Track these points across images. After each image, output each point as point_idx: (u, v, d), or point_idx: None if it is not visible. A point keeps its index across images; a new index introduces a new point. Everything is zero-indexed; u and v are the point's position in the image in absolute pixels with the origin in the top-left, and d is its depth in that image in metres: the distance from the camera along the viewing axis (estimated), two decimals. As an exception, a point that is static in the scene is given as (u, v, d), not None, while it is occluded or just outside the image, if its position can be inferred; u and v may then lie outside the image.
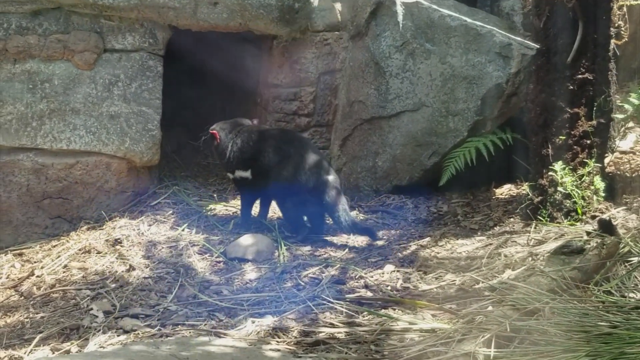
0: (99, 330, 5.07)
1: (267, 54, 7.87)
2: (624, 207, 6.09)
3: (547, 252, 5.30)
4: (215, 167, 8.03)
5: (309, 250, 6.29)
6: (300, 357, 4.33)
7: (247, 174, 6.72)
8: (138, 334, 4.96)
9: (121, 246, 6.49)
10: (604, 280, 4.65)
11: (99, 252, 6.42)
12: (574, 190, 5.99)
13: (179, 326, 5.03)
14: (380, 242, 6.38)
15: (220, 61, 7.85)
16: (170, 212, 7.15)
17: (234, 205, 7.26)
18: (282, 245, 6.30)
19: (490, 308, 4.46)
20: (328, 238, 6.54)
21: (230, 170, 6.84)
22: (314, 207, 6.55)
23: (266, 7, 7.26)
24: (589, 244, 4.90)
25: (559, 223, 5.96)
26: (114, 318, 5.25)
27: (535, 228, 5.95)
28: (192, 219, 6.98)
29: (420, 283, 5.51)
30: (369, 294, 5.37)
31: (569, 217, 6.00)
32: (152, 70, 7.32)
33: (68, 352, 4.83)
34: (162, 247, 6.41)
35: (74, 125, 7.16)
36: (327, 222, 6.78)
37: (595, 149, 6.12)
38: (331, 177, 6.55)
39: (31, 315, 5.51)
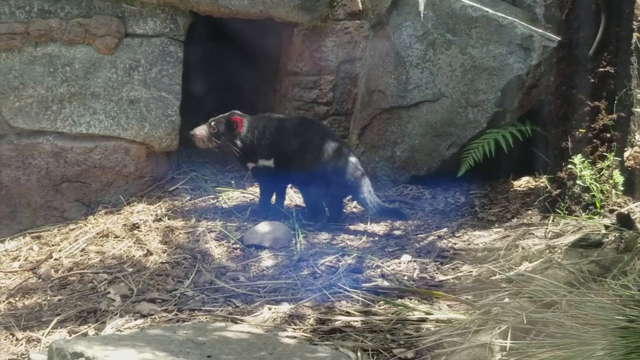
0: (116, 314, 5.09)
1: (287, 42, 7.87)
2: (643, 202, 6.08)
3: (565, 245, 5.30)
4: (229, 161, 7.97)
5: (326, 239, 6.30)
6: (316, 344, 4.33)
7: (269, 162, 6.69)
8: (155, 318, 4.99)
9: (139, 231, 6.52)
10: (622, 274, 4.64)
11: (116, 237, 6.45)
12: (592, 183, 5.97)
13: (196, 311, 5.05)
14: (397, 232, 6.39)
15: (240, 48, 7.86)
16: (188, 197, 7.17)
17: (252, 192, 7.27)
18: (299, 233, 6.31)
19: (506, 300, 4.45)
20: (345, 227, 6.55)
21: (253, 160, 6.78)
22: (338, 190, 6.55)
23: (288, -5, 7.29)
24: (607, 237, 4.90)
25: (577, 216, 5.95)
26: (131, 302, 5.27)
27: (553, 221, 5.94)
28: (210, 205, 7.00)
29: (436, 273, 5.51)
30: (386, 283, 5.37)
31: (587, 211, 5.99)
32: (172, 55, 7.34)
33: (85, 334, 4.85)
34: (180, 233, 6.43)
35: (94, 110, 7.19)
36: (344, 210, 6.81)
37: (615, 143, 6.11)
38: (354, 159, 6.56)
39: (49, 298, 5.54)
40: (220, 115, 6.81)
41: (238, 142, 6.74)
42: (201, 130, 6.76)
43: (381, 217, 6.57)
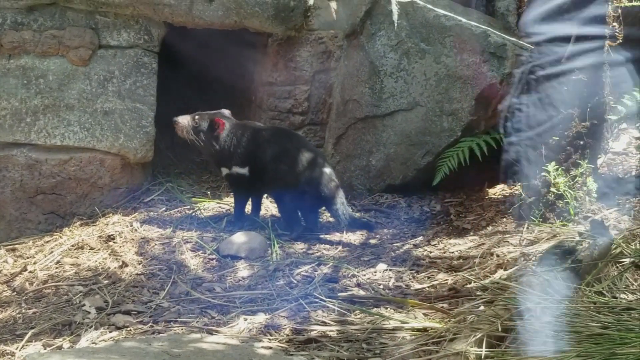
0: (91, 326, 5.06)
1: (262, 52, 7.88)
2: (616, 208, 6.11)
3: (539, 252, 5.32)
4: (208, 163, 7.98)
5: (302, 248, 6.30)
6: (291, 355, 4.34)
7: (244, 170, 6.68)
8: (130, 330, 4.97)
9: (114, 242, 6.49)
10: (596, 281, 4.67)
11: (92, 248, 6.42)
12: (566, 191, 6.00)
13: (171, 323, 5.03)
14: (373, 241, 6.40)
15: (215, 59, 7.85)
16: (164, 208, 7.15)
17: (227, 202, 7.26)
18: (275, 243, 6.31)
19: (482, 308, 4.48)
20: (321, 236, 6.55)
21: (227, 166, 6.77)
22: (312, 201, 6.55)
23: (262, 5, 7.28)
24: (581, 244, 4.91)
25: (552, 223, 5.97)
26: (106, 314, 5.24)
27: (527, 228, 5.96)
28: (186, 216, 6.98)
29: (412, 282, 5.52)
30: (361, 292, 5.38)
31: (562, 218, 6.02)
32: (146, 67, 7.33)
33: (60, 348, 4.82)
34: (155, 244, 6.41)
35: (68, 121, 7.16)
36: (320, 220, 6.81)
37: (588, 150, 6.14)
38: (328, 170, 6.57)
39: (23, 311, 5.51)
40: (207, 112, 6.80)
41: (215, 144, 6.72)
42: (184, 120, 6.73)
43: (352, 229, 6.58)
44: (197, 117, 6.74)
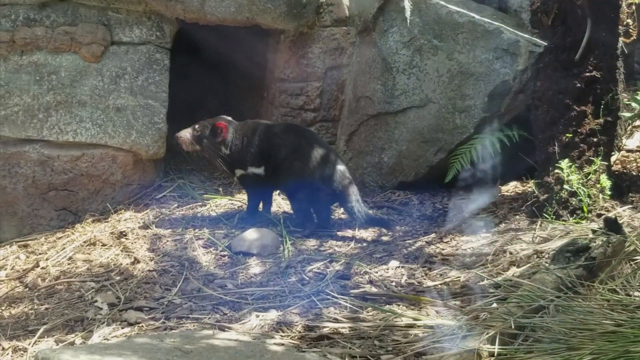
0: (103, 322, 5.06)
1: (274, 49, 7.86)
2: (630, 206, 6.08)
3: (553, 249, 5.29)
4: (215, 168, 7.92)
5: (314, 245, 6.29)
6: (304, 351, 4.32)
7: (260, 170, 6.67)
8: (142, 326, 4.96)
9: (126, 239, 6.49)
10: (609, 278, 4.64)
11: (103, 245, 6.42)
12: (580, 188, 5.98)
13: (183, 319, 5.03)
14: (385, 238, 6.38)
15: (228, 55, 7.85)
16: (176, 205, 7.15)
17: (239, 199, 7.26)
18: (287, 239, 6.30)
19: (494, 305, 4.46)
20: (333, 233, 6.54)
21: (242, 167, 6.74)
22: (325, 198, 6.53)
23: (274, 1, 7.27)
24: (595, 242, 4.89)
25: (565, 221, 5.95)
26: (118, 310, 5.24)
27: (540, 226, 5.94)
28: (197, 213, 6.98)
29: (424, 279, 5.50)
30: (374, 289, 5.36)
31: (575, 215, 5.99)
32: (159, 63, 7.33)
33: (72, 343, 4.82)
34: (167, 241, 6.41)
35: (80, 118, 7.17)
36: (332, 217, 6.80)
37: (601, 147, 6.11)
38: (342, 167, 6.55)
39: (35, 307, 5.51)
40: (207, 120, 6.78)
41: (223, 148, 6.69)
42: (185, 133, 6.75)
43: (368, 226, 6.56)
44: (197, 126, 6.73)
